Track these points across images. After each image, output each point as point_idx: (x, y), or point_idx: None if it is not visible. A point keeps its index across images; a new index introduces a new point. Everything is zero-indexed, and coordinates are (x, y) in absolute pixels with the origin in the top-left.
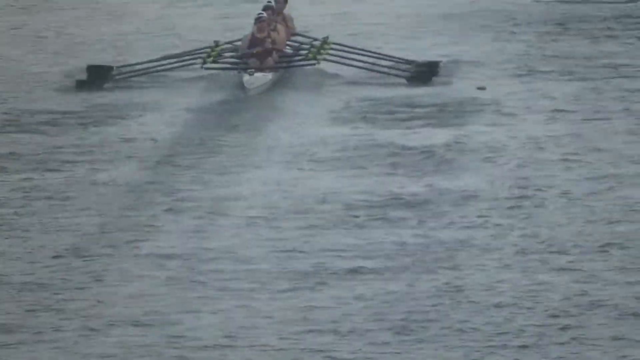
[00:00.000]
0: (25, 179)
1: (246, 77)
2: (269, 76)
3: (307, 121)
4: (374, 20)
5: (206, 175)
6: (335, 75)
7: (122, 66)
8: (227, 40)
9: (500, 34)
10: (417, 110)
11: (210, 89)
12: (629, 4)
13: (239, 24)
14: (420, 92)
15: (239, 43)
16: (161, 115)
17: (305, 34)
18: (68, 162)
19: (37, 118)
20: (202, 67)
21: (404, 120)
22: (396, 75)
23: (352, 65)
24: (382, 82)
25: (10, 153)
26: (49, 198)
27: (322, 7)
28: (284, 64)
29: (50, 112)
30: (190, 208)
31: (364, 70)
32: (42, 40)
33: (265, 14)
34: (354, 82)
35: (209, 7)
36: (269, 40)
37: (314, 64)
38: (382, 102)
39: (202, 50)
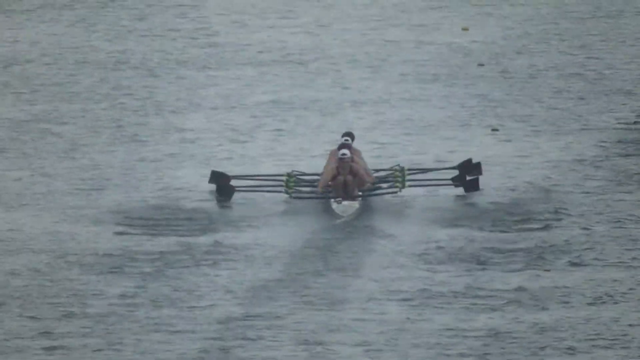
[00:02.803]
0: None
1: (335, 205)
2: (356, 205)
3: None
4: None
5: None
6: (408, 198)
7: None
8: (300, 171)
9: None
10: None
11: (299, 216)
12: None
13: None
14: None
15: (312, 177)
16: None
17: (378, 166)
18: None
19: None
20: (290, 197)
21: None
22: (455, 186)
23: (425, 186)
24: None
25: None
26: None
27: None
28: (367, 193)
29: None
30: None
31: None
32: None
33: (348, 154)
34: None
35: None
36: (350, 178)
37: (397, 192)
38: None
39: (277, 178)
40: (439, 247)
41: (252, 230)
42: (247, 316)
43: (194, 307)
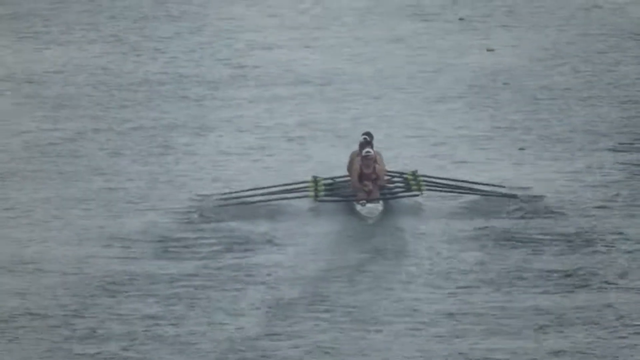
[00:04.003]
0: None
1: (359, 207)
2: (380, 207)
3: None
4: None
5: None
6: (436, 207)
7: (227, 193)
8: (324, 176)
9: None
10: None
11: (324, 219)
12: None
13: None
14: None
15: (339, 180)
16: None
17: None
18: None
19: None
20: (315, 200)
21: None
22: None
23: (457, 193)
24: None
25: None
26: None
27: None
28: (389, 195)
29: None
30: None
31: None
32: None
33: (372, 152)
34: (455, 213)
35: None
36: (375, 175)
37: (418, 195)
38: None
39: (303, 184)
40: (464, 268)
41: (275, 248)
42: (270, 336)
43: (216, 326)
